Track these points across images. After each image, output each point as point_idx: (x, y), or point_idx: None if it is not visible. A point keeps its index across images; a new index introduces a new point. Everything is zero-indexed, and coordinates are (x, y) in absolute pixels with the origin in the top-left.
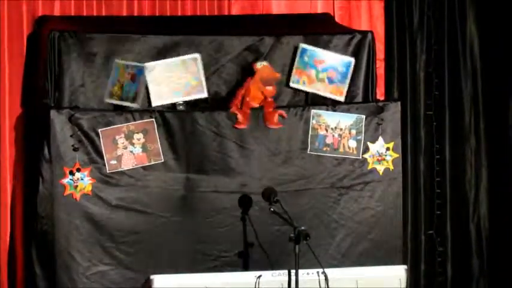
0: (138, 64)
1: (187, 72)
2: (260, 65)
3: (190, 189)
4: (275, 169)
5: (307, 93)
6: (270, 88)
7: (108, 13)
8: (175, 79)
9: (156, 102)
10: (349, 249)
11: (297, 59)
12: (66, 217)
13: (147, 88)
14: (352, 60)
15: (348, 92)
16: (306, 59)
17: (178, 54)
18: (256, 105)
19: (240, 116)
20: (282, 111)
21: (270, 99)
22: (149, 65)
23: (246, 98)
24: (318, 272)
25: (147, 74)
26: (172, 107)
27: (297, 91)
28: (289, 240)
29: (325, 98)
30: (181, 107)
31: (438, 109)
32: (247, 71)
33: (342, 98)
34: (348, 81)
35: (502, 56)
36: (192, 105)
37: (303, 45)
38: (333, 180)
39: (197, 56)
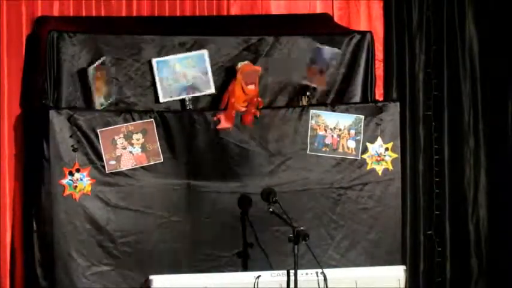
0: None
1: (195, 68)
2: (240, 64)
3: (189, 189)
4: (274, 169)
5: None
6: (252, 87)
7: (107, 13)
8: (182, 75)
9: (164, 98)
10: (348, 250)
11: None
12: (66, 217)
13: (154, 85)
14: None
15: (345, 91)
16: None
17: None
18: (242, 108)
19: (222, 118)
20: (256, 112)
21: (255, 100)
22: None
23: (231, 99)
24: (317, 272)
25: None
26: (181, 102)
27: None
28: (288, 240)
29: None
30: (189, 103)
31: (437, 109)
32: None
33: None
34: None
35: (501, 56)
36: (197, 101)
37: None
38: (332, 181)
39: (205, 52)
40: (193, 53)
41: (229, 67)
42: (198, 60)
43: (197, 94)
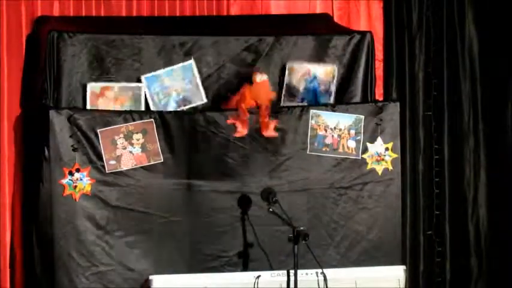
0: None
1: (184, 80)
2: (260, 79)
3: (189, 189)
4: (274, 169)
5: None
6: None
7: (107, 13)
8: (172, 89)
9: None
10: (348, 250)
11: None
12: (66, 217)
13: (146, 101)
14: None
15: (345, 91)
16: None
17: (177, 55)
18: (250, 112)
19: (239, 125)
20: (276, 122)
21: (265, 107)
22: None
23: (242, 105)
24: (317, 273)
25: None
26: None
27: None
28: (288, 240)
29: None
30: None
31: (437, 109)
32: (247, 73)
33: None
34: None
35: (501, 56)
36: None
37: None
38: (332, 181)
39: (191, 61)
40: (180, 64)
41: (229, 68)
42: (185, 71)
43: (189, 106)
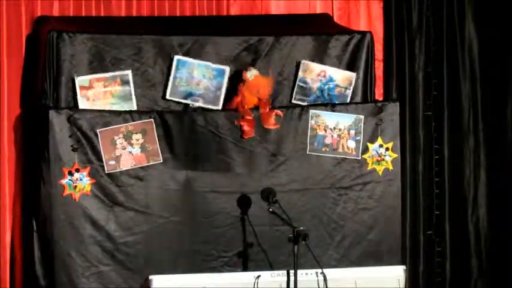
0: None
1: (212, 80)
2: (251, 77)
3: (189, 189)
4: (274, 169)
5: None
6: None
7: (107, 13)
8: (196, 82)
9: (170, 96)
10: (348, 250)
11: None
12: (65, 217)
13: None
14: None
15: None
16: None
17: (177, 55)
18: (251, 107)
19: (245, 126)
20: (278, 111)
21: (265, 100)
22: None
23: (245, 106)
24: (316, 273)
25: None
26: (184, 106)
27: None
28: (288, 240)
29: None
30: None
31: (437, 109)
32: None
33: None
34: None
35: (501, 56)
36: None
37: None
38: (332, 181)
39: (227, 68)
40: (216, 65)
41: (229, 68)
42: (218, 74)
43: (202, 105)
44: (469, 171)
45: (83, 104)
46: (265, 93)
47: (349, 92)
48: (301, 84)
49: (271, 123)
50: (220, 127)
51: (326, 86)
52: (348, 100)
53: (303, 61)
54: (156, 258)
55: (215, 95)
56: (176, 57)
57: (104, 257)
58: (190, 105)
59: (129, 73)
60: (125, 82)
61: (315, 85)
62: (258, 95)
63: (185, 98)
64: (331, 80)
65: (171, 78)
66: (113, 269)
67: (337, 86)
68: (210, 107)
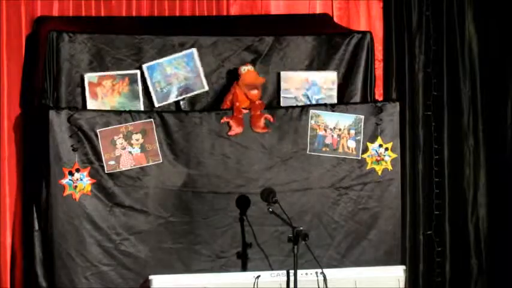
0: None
1: (186, 68)
2: (244, 70)
3: (188, 189)
4: (274, 169)
5: None
6: (254, 92)
7: (107, 13)
8: (173, 77)
9: (159, 103)
10: (348, 250)
11: None
12: (66, 217)
13: (147, 90)
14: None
15: (345, 91)
16: None
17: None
18: (245, 110)
19: (232, 123)
20: (269, 115)
21: (258, 102)
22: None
23: (236, 103)
24: (316, 273)
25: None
26: (176, 105)
27: None
28: (288, 240)
29: None
30: (184, 104)
31: (437, 109)
32: (234, 75)
33: None
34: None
35: (501, 56)
36: (193, 102)
37: None
38: (332, 181)
39: (193, 50)
40: (183, 52)
41: (230, 69)
42: (187, 59)
43: (190, 94)
44: (469, 171)
45: (90, 101)
46: (251, 83)
47: (335, 92)
48: (286, 96)
49: (260, 127)
50: (220, 127)
51: (310, 91)
52: (335, 99)
53: (282, 72)
54: (156, 258)
55: (196, 79)
56: (144, 66)
57: (104, 257)
58: (181, 101)
59: (137, 73)
60: (133, 81)
61: (300, 93)
62: (247, 88)
63: (173, 97)
64: (314, 84)
65: (150, 86)
66: (113, 269)
67: (321, 88)
68: (197, 92)
